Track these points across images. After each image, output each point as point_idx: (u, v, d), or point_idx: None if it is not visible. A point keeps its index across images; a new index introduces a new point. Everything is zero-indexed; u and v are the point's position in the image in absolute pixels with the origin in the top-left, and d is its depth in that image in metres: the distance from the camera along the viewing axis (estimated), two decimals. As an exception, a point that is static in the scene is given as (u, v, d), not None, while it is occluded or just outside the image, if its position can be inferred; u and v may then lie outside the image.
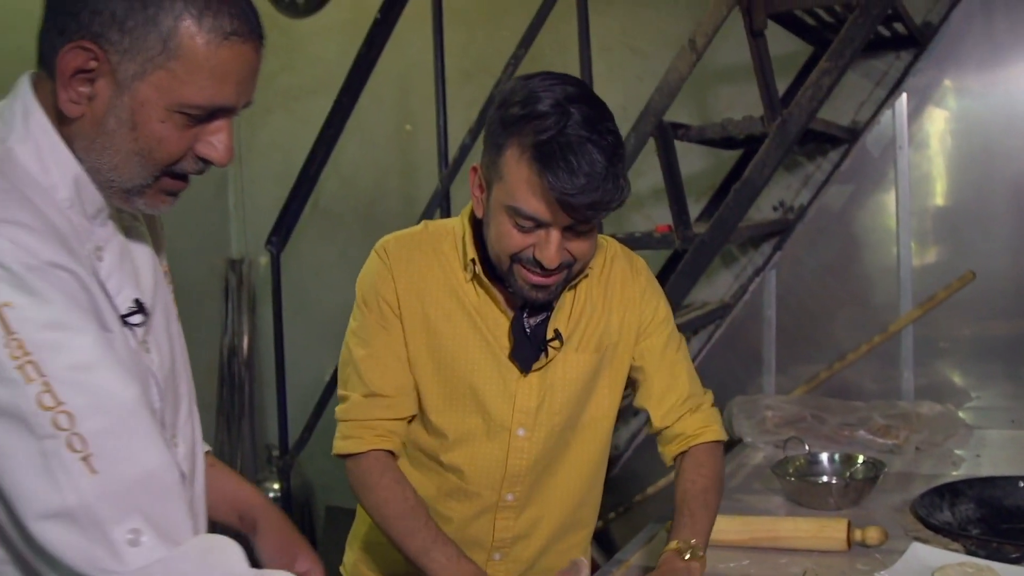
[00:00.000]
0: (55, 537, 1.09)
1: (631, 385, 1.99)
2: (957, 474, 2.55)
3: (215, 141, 1.24)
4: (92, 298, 1.18)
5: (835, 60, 2.84)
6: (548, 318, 1.83)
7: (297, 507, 4.78)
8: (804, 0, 3.03)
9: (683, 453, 1.94)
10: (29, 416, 1.08)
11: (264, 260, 5.17)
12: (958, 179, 3.28)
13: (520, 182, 1.63)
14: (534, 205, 1.63)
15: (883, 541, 2.03)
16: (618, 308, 1.91)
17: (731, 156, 3.80)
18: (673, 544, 1.79)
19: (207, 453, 1.58)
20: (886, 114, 3.33)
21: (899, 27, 3.25)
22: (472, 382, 1.83)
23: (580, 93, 1.66)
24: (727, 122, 3.11)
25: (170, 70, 1.16)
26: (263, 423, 5.33)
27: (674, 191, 3.02)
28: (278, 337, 4.13)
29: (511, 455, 1.87)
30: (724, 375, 3.57)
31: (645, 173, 3.77)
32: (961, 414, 3.08)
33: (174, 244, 1.54)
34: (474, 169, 1.76)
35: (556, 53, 3.96)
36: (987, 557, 1.90)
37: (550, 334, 1.82)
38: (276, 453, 4.62)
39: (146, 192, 1.24)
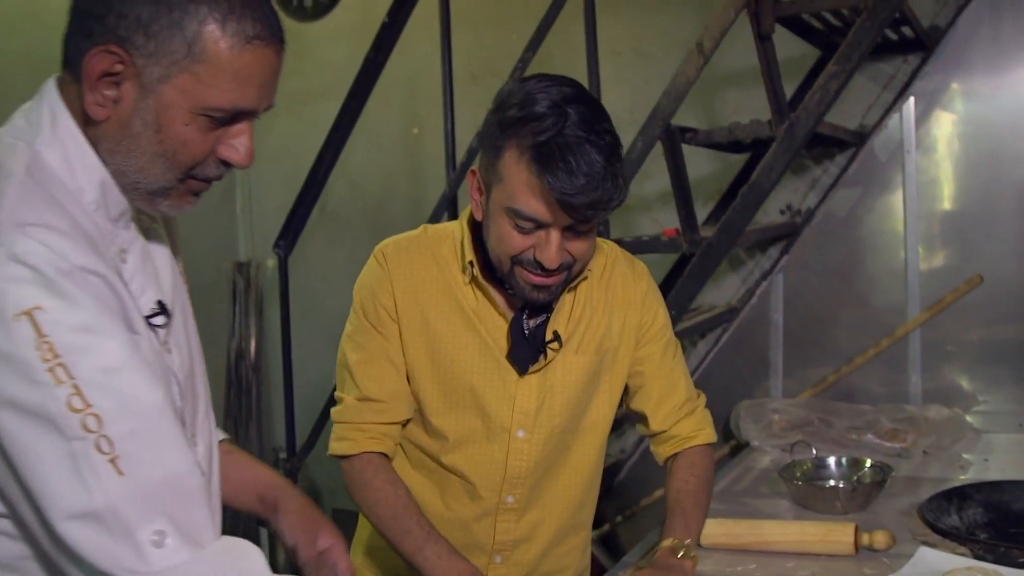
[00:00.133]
0: (81, 537, 1.11)
1: (626, 388, 2.00)
2: (965, 478, 2.54)
3: (237, 144, 1.25)
4: (120, 301, 1.20)
5: (842, 64, 2.83)
6: (547, 320, 1.83)
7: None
8: (811, 4, 3.03)
9: (676, 454, 2.00)
10: (59, 418, 1.09)
11: (272, 263, 5.17)
12: (966, 183, 3.27)
13: (519, 183, 1.64)
14: (534, 206, 1.63)
15: (890, 545, 2.03)
16: (619, 311, 1.92)
17: (738, 160, 3.80)
18: (667, 542, 1.84)
19: (224, 441, 1.62)
20: (893, 118, 3.32)
21: (906, 31, 3.24)
22: (471, 384, 1.84)
23: (576, 94, 1.67)
24: (734, 126, 3.11)
25: (194, 73, 1.18)
26: (270, 426, 5.33)
27: (681, 195, 3.02)
28: (285, 340, 4.13)
29: (511, 457, 1.88)
30: (731, 379, 3.56)
31: (652, 177, 3.77)
32: (969, 418, 3.07)
33: (182, 246, 1.55)
34: (472, 172, 1.77)
35: (564, 56, 3.96)
36: (995, 561, 1.90)
37: (549, 336, 1.83)
38: (283, 456, 4.62)
39: (171, 194, 1.26)
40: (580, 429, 1.93)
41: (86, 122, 1.23)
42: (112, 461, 1.11)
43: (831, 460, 2.56)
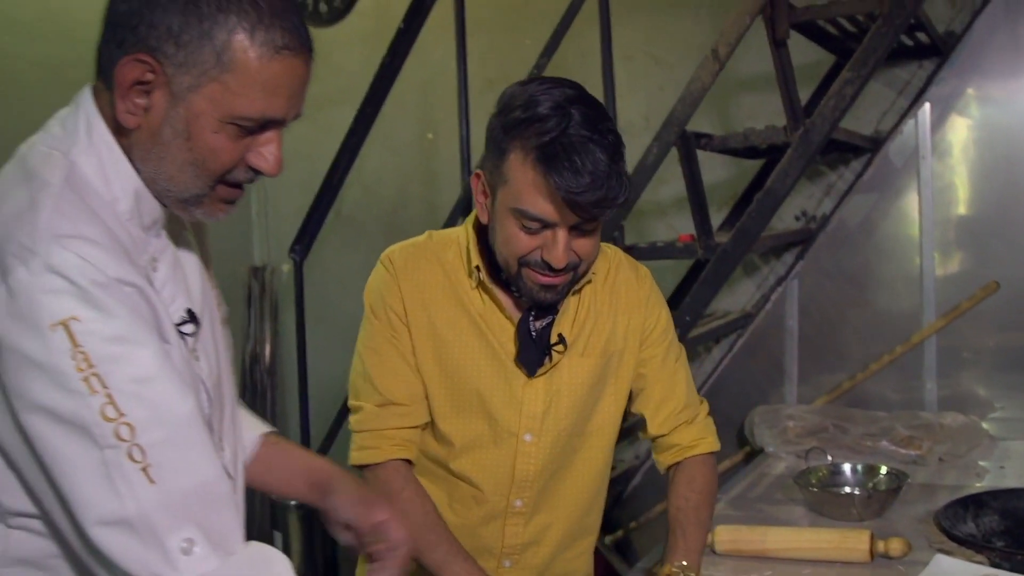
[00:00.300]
0: (112, 543, 1.13)
1: (630, 392, 2.00)
2: (981, 485, 2.54)
3: (266, 152, 1.27)
4: (154, 311, 1.21)
5: (858, 70, 2.83)
6: (552, 322, 1.84)
7: (318, 516, 4.78)
8: (827, 10, 3.03)
9: (677, 464, 1.99)
10: (92, 426, 1.11)
11: (287, 267, 5.18)
12: (981, 188, 3.26)
13: (525, 184, 1.65)
14: (541, 206, 1.64)
15: (906, 553, 2.02)
16: (623, 314, 1.93)
17: (753, 165, 3.80)
18: (666, 569, 1.83)
19: (271, 433, 1.64)
20: (909, 123, 3.31)
21: (922, 36, 3.24)
22: (478, 388, 1.85)
23: (578, 95, 1.68)
24: (749, 132, 3.11)
25: (223, 83, 1.19)
26: (285, 430, 5.33)
27: (696, 200, 3.03)
28: (300, 344, 4.14)
29: (518, 460, 1.88)
30: (746, 385, 3.56)
31: (668, 182, 3.77)
32: (985, 425, 3.07)
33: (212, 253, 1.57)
34: (477, 175, 1.78)
35: (578, 62, 3.96)
36: (1011, 569, 1.89)
37: (554, 338, 1.83)
38: (298, 460, 4.62)
39: (203, 201, 1.28)
40: (587, 432, 1.93)
41: (118, 130, 1.24)
42: (144, 470, 1.13)
43: (846, 467, 2.56)
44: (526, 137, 1.64)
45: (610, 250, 1.99)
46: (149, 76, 1.19)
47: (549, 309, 1.83)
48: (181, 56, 1.17)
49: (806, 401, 3.43)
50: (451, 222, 3.52)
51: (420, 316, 1.84)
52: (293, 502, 4.62)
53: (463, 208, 3.60)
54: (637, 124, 4.16)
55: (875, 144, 3.41)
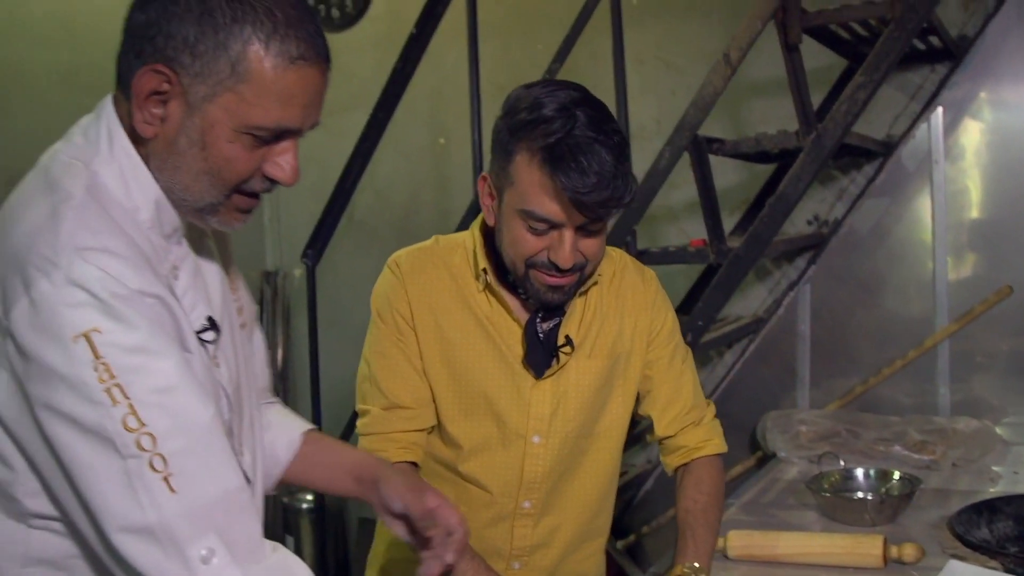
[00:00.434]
0: (133, 549, 1.14)
1: (637, 394, 2.01)
2: (995, 491, 2.53)
3: (282, 161, 1.27)
4: (175, 321, 1.23)
5: (870, 74, 2.83)
6: (559, 324, 1.85)
7: (330, 519, 4.80)
8: (839, 14, 3.03)
9: (684, 465, 2.00)
10: (115, 436, 1.13)
11: (299, 272, 5.20)
12: (994, 192, 3.25)
13: (532, 185, 1.66)
14: (548, 206, 1.66)
15: (919, 558, 2.02)
16: (630, 316, 1.94)
17: (765, 170, 3.79)
18: (677, 570, 1.84)
19: (312, 430, 1.66)
20: (921, 128, 3.30)
21: (934, 40, 3.23)
22: (486, 391, 1.86)
23: (583, 97, 1.70)
24: (761, 136, 3.11)
25: (238, 93, 1.19)
26: (297, 434, 5.33)
27: (708, 205, 3.03)
28: (313, 349, 4.15)
29: (527, 462, 1.89)
30: (758, 389, 3.55)
31: (679, 187, 3.77)
32: (998, 430, 3.05)
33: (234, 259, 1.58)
34: (483, 178, 1.80)
35: (590, 66, 3.97)
36: (1025, 575, 1.89)
37: (561, 340, 1.84)
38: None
39: (219, 210, 1.29)
40: (595, 434, 1.94)
41: (135, 139, 1.25)
42: (165, 479, 1.14)
43: (859, 472, 2.55)
44: (532, 139, 1.66)
45: (616, 253, 2.01)
46: (165, 86, 1.19)
47: (556, 311, 1.84)
48: (197, 66, 1.18)
49: (818, 406, 3.42)
50: (463, 227, 3.51)
51: (427, 320, 1.85)
52: (304, 505, 4.64)
53: (475, 213, 3.57)
54: (648, 128, 4.16)
55: (887, 148, 3.40)
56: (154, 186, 1.25)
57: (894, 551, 2.03)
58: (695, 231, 3.73)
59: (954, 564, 1.96)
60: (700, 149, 3.03)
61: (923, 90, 3.43)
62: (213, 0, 1.18)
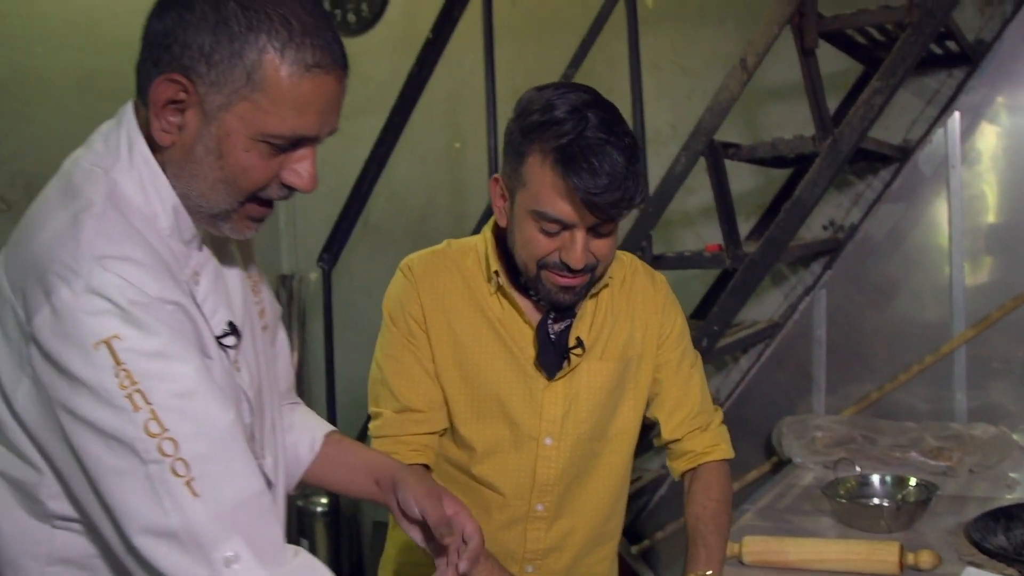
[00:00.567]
0: (157, 553, 1.15)
1: None
2: (1012, 497, 2.52)
3: (300, 169, 1.28)
4: (195, 327, 1.24)
5: (887, 79, 2.82)
6: (570, 326, 1.86)
7: (344, 522, 4.81)
8: (855, 19, 3.02)
9: (691, 470, 2.01)
10: (137, 442, 1.14)
11: (314, 276, 5.21)
12: (1011, 197, 3.24)
13: (545, 186, 1.67)
14: (560, 207, 1.67)
15: (936, 566, 2.01)
16: (641, 319, 1.95)
17: (781, 175, 3.79)
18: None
19: (333, 432, 1.67)
20: (938, 132, 3.29)
21: (951, 45, 3.22)
22: (498, 393, 1.87)
23: (594, 99, 1.71)
24: (777, 141, 3.10)
25: (254, 101, 1.20)
26: (312, 438, 5.34)
27: (724, 210, 3.02)
28: (328, 352, 4.16)
29: (539, 464, 1.90)
30: (773, 394, 3.55)
31: (695, 192, 3.77)
32: (1015, 436, 3.03)
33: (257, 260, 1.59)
34: (495, 180, 1.81)
35: (606, 71, 3.97)
36: (1042, 583, 1.88)
37: (572, 342, 1.85)
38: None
39: (232, 217, 1.29)
40: (608, 437, 1.95)
41: (153, 147, 1.26)
42: (188, 483, 1.15)
43: (875, 478, 2.54)
44: (544, 140, 1.67)
45: (626, 257, 2.02)
46: (182, 95, 1.20)
47: (567, 312, 1.85)
48: (213, 75, 1.19)
49: (834, 411, 3.41)
50: (478, 231, 3.52)
51: (440, 322, 1.86)
52: (319, 509, 4.65)
53: (490, 217, 3.59)
54: (664, 133, 4.16)
55: (904, 153, 3.40)
56: (172, 193, 1.26)
57: (910, 558, 2.02)
58: (711, 236, 3.73)
59: (971, 571, 1.95)
60: (716, 154, 3.03)
61: (940, 95, 3.42)
62: (229, 9, 1.18)
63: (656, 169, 3.37)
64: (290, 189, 1.29)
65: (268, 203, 1.31)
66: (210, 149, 1.22)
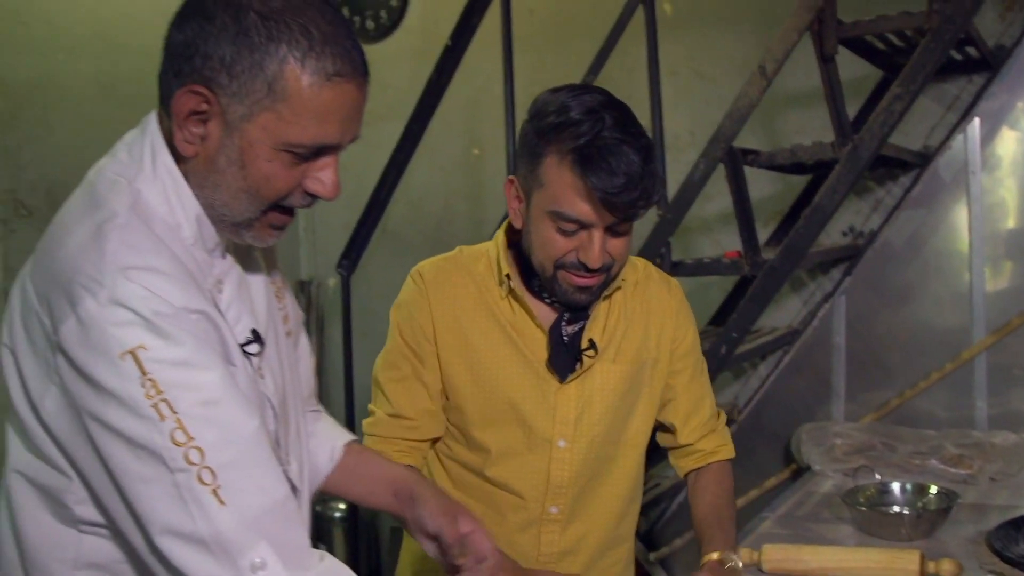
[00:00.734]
0: (185, 559, 1.17)
1: None
2: (1033, 506, 2.50)
3: (322, 177, 1.28)
4: (220, 335, 1.25)
5: (907, 85, 2.82)
6: (583, 328, 1.87)
7: (363, 528, 4.81)
8: (875, 25, 3.02)
9: (697, 468, 2.06)
10: (163, 451, 1.15)
11: (333, 282, 5.23)
12: (1032, 203, 3.23)
13: (562, 186, 1.69)
14: (578, 207, 1.68)
15: (957, 574, 2.00)
16: (656, 322, 1.97)
17: (800, 181, 3.78)
18: (715, 555, 1.87)
19: (353, 442, 1.68)
20: (958, 138, 3.28)
21: (971, 51, 3.21)
22: (511, 396, 1.87)
23: (608, 100, 1.73)
24: (797, 148, 3.10)
25: (276, 111, 1.21)
26: (331, 444, 5.35)
27: (743, 216, 3.02)
28: (347, 358, 4.17)
29: (553, 466, 1.90)
30: (792, 401, 3.53)
31: (714, 198, 3.77)
32: (1036, 444, 3.02)
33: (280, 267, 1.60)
34: (511, 181, 1.82)
35: (624, 78, 3.97)
36: (1064, 592, 1.87)
37: (585, 343, 1.86)
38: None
39: (254, 225, 1.30)
40: (622, 440, 1.96)
41: (176, 158, 1.27)
42: (214, 491, 1.16)
43: (895, 486, 2.53)
44: (561, 141, 1.68)
45: (640, 262, 2.03)
46: (204, 106, 1.21)
47: (581, 313, 1.86)
48: (234, 86, 1.19)
49: (853, 418, 3.40)
50: (496, 238, 3.53)
51: (451, 328, 1.88)
52: (337, 514, 4.66)
53: (508, 224, 3.61)
54: (683, 139, 4.16)
55: (924, 159, 3.38)
56: (195, 203, 1.27)
57: (931, 567, 2.01)
58: (730, 242, 3.72)
59: (992, 580, 1.94)
60: (735, 161, 3.02)
61: (960, 101, 3.41)
62: (249, 19, 1.19)
63: (675, 176, 3.37)
64: (313, 197, 1.30)
65: (290, 211, 1.32)
66: (233, 159, 1.23)
